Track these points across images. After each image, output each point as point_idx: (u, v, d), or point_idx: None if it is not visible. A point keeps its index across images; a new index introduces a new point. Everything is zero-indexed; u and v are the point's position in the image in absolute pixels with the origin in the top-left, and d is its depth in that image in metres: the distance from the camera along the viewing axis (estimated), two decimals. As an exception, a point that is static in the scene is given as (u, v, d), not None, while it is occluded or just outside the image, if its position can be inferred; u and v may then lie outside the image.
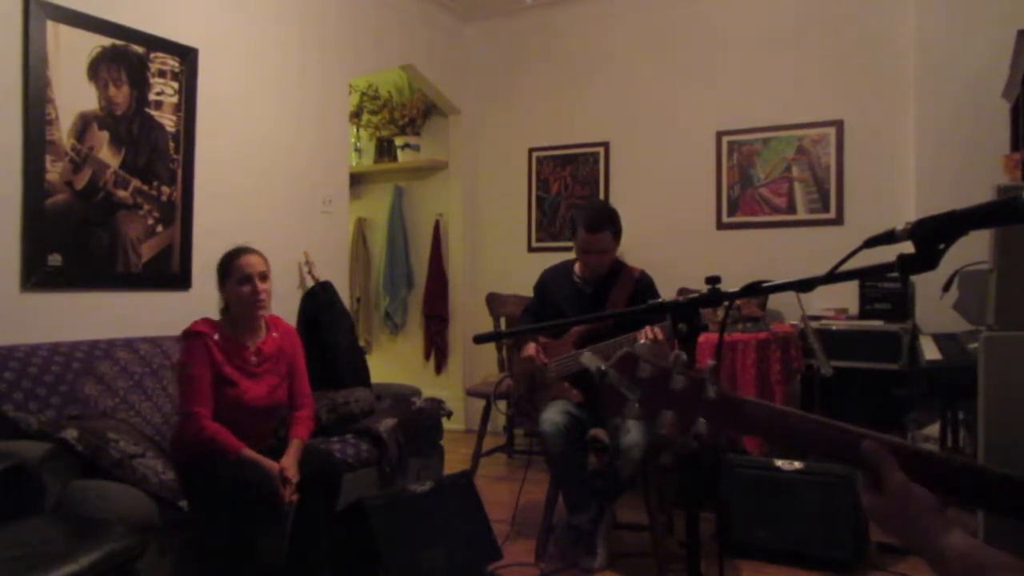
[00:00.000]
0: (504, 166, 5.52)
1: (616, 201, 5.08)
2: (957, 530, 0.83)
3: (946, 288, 2.70)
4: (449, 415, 3.65)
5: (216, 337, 2.54)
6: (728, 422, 0.93)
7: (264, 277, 2.61)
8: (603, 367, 0.93)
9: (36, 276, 2.87)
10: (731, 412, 0.92)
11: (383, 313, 5.81)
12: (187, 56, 3.43)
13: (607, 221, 3.00)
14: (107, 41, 3.11)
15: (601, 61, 5.16)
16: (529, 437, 3.24)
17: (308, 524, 2.51)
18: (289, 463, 2.46)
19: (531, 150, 5.42)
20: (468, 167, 5.62)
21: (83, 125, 3.03)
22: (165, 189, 3.36)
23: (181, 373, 2.56)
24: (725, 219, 4.77)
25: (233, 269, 2.59)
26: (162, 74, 3.34)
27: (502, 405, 3.35)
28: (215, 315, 2.64)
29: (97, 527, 2.03)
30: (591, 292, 3.13)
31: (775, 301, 4.39)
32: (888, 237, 0.90)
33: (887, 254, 0.90)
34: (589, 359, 0.95)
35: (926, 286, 3.82)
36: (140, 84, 3.24)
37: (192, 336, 2.52)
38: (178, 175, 3.41)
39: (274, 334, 2.70)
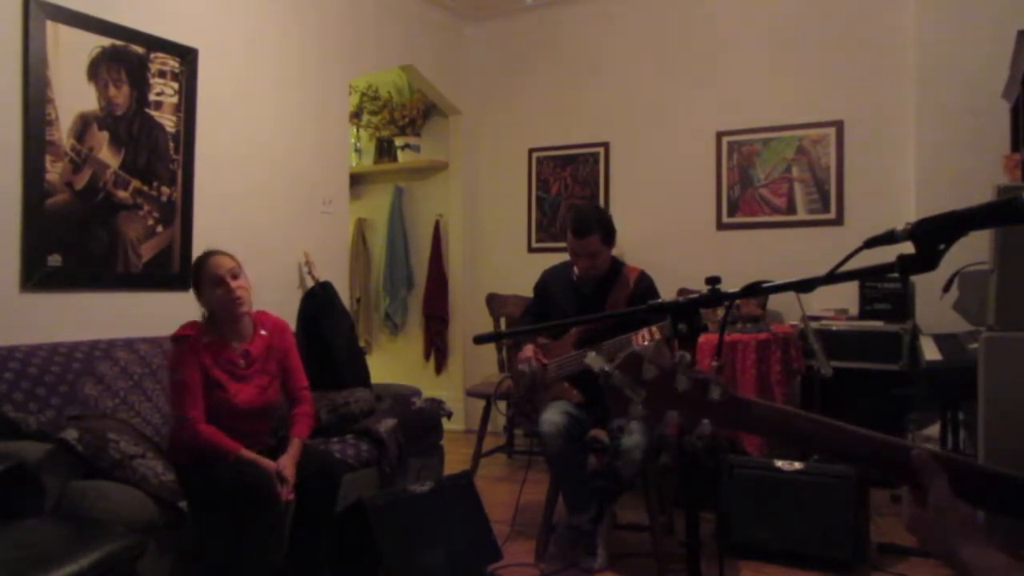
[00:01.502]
0: (504, 166, 5.52)
1: (616, 202, 5.09)
2: (999, 553, 0.81)
3: (946, 288, 2.70)
4: (449, 415, 3.65)
5: (205, 340, 2.52)
6: (733, 423, 0.93)
7: (235, 275, 2.55)
8: (607, 368, 0.93)
9: (36, 276, 2.87)
10: (736, 413, 0.92)
11: (383, 313, 5.81)
12: (187, 56, 3.43)
13: (594, 224, 3.00)
14: (107, 41, 3.11)
15: (601, 61, 5.17)
16: (529, 437, 3.25)
17: (308, 524, 2.51)
18: (286, 462, 2.46)
19: (531, 150, 5.42)
20: (468, 167, 5.62)
21: (83, 125, 3.03)
22: (165, 189, 3.36)
23: (171, 379, 2.55)
24: (725, 219, 4.77)
25: (203, 274, 2.55)
26: (162, 74, 3.34)
27: (502, 405, 3.35)
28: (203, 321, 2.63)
29: (97, 527, 2.03)
30: (591, 293, 3.13)
31: (775, 301, 4.39)
32: (888, 237, 0.89)
33: (887, 254, 0.90)
34: (593, 359, 0.95)
35: (926, 286, 3.83)
36: (140, 84, 3.24)
37: (179, 340, 2.50)
38: (178, 175, 3.41)
39: (262, 332, 2.66)
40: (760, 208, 4.67)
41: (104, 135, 3.11)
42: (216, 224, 3.54)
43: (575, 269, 3.15)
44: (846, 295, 4.17)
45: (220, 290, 2.52)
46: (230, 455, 2.41)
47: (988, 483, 0.87)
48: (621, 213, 4.85)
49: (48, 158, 2.90)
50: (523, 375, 3.07)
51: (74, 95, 2.99)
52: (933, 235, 0.86)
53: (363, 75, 5.29)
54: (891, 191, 4.31)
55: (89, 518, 2.13)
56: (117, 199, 3.16)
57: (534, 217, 5.43)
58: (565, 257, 3.24)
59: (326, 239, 4.27)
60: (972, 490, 0.85)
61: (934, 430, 3.79)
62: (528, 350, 3.05)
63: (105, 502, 2.20)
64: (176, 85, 3.39)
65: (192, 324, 2.55)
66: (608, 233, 3.04)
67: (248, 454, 2.43)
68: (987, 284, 2.28)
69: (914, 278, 3.87)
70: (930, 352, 3.22)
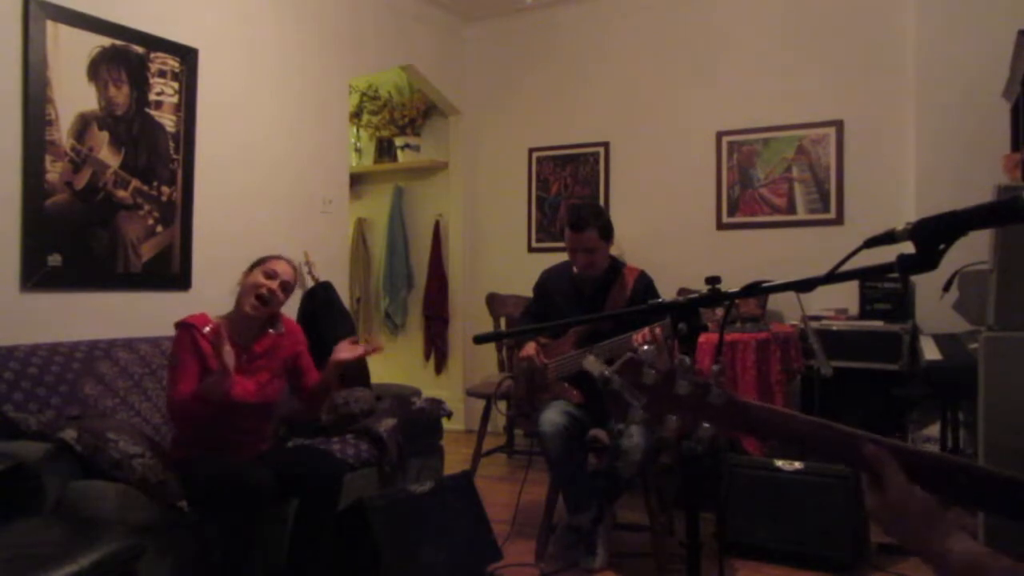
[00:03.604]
0: (504, 166, 5.52)
1: (616, 201, 5.09)
2: (959, 534, 0.83)
3: (946, 288, 2.69)
4: (449, 415, 3.64)
5: (206, 330, 2.51)
6: (732, 426, 0.93)
7: (286, 288, 2.62)
8: (606, 373, 0.93)
9: (36, 276, 2.87)
10: (735, 416, 0.92)
11: (383, 313, 5.82)
12: (187, 56, 3.43)
13: (591, 219, 2.99)
14: (107, 41, 3.11)
15: (601, 61, 5.16)
16: (529, 437, 3.24)
17: (308, 524, 2.50)
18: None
19: (531, 150, 5.42)
20: (468, 167, 5.62)
21: (83, 125, 3.03)
22: (165, 189, 3.36)
23: (170, 364, 2.55)
24: (725, 219, 4.77)
25: (266, 262, 2.62)
26: (162, 74, 3.34)
27: (502, 405, 3.35)
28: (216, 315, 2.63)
29: (97, 527, 2.03)
30: (590, 292, 3.13)
31: (775, 301, 4.39)
32: (888, 237, 0.90)
33: (887, 254, 0.90)
34: (592, 364, 0.94)
35: (926, 286, 3.83)
36: (140, 84, 3.24)
37: (181, 327, 2.52)
38: (178, 175, 3.41)
39: (271, 331, 2.67)
40: (760, 208, 4.67)
41: (104, 135, 3.11)
42: (216, 224, 3.54)
43: (574, 268, 3.15)
44: (846, 295, 4.17)
45: (260, 280, 2.57)
46: (221, 391, 2.34)
47: (946, 474, 0.88)
48: (621, 213, 4.86)
49: (48, 158, 2.90)
50: (523, 373, 3.07)
51: (74, 95, 2.99)
52: (933, 235, 0.86)
53: (363, 75, 5.29)
54: (891, 191, 4.31)
55: (89, 518, 2.13)
56: (117, 199, 3.16)
57: (534, 217, 5.43)
58: (565, 257, 3.24)
59: (326, 239, 4.27)
60: (929, 479, 0.87)
61: (934, 430, 3.78)
62: (530, 347, 3.05)
63: (105, 502, 2.19)
64: (176, 85, 3.39)
65: (199, 315, 2.55)
66: (605, 228, 3.03)
67: (224, 368, 2.31)
68: (987, 284, 2.28)
69: (914, 278, 3.87)
70: (930, 352, 3.21)
